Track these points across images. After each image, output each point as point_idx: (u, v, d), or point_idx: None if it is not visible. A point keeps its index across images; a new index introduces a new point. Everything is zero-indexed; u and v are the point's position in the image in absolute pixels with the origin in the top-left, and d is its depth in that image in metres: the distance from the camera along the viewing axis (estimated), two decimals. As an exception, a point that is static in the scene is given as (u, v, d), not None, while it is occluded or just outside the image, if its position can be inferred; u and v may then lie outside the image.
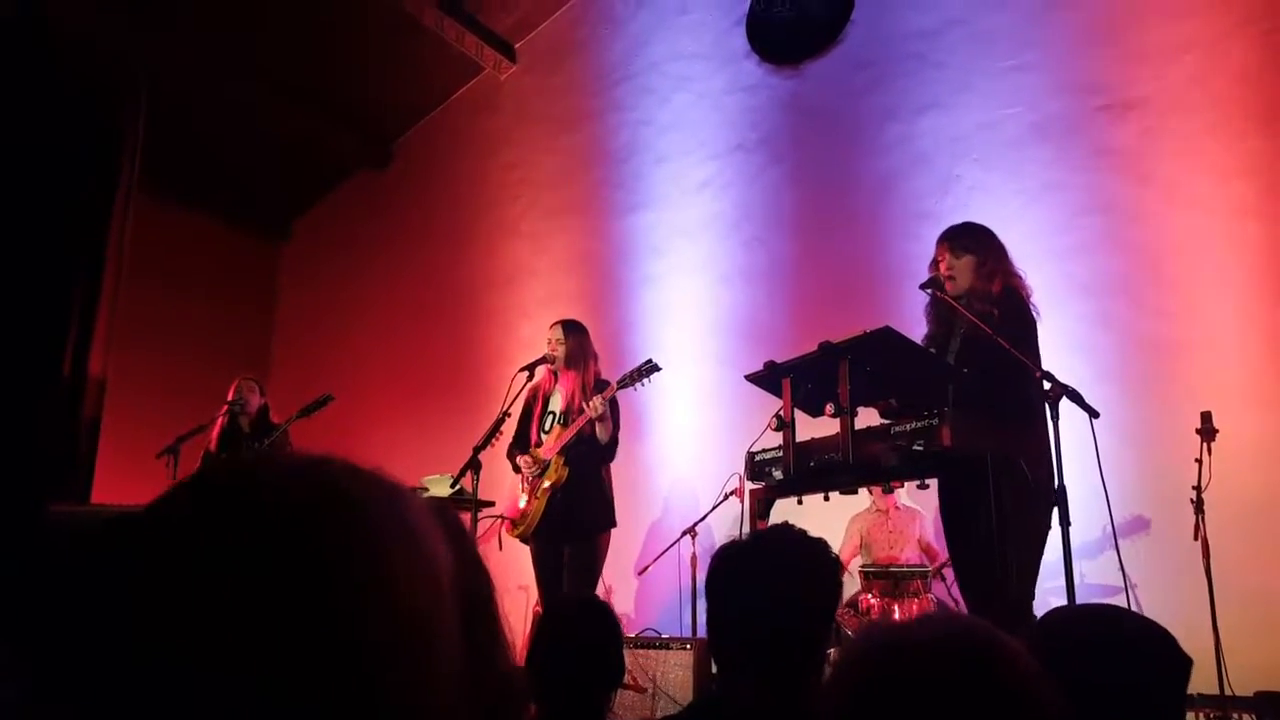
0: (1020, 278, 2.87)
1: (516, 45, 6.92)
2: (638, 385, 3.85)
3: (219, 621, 0.43)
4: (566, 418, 3.88)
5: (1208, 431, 3.50)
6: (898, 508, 4.55)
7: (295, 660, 0.44)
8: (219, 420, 4.70)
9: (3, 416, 5.10)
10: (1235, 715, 3.09)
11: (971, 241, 2.90)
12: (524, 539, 3.89)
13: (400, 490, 0.54)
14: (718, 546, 1.46)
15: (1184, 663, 1.02)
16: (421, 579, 0.51)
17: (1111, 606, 1.13)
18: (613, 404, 3.86)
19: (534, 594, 4.08)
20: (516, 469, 4.00)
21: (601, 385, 3.90)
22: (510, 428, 3.96)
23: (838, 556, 1.36)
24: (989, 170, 4.82)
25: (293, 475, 0.50)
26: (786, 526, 1.37)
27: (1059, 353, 3.45)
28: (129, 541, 0.48)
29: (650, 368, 3.82)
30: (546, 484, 3.79)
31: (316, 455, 0.53)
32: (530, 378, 4.04)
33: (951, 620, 0.77)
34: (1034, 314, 2.83)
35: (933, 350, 2.83)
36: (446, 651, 0.51)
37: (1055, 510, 2.45)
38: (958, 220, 3.32)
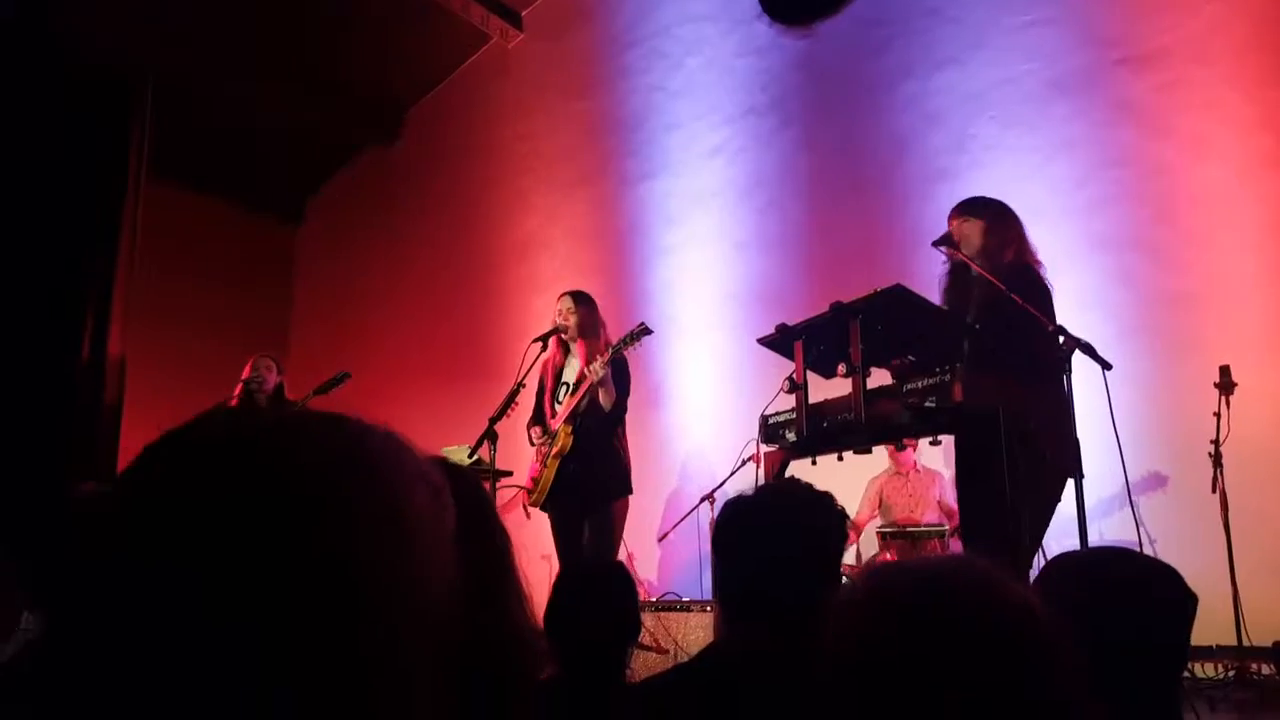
0: (1034, 254, 2.87)
1: (523, 13, 6.86)
2: (632, 348, 3.88)
3: (216, 574, 0.43)
4: (578, 387, 3.92)
5: (1226, 385, 3.48)
6: (917, 470, 4.55)
7: (290, 603, 0.44)
8: (234, 398, 4.75)
9: (26, 402, 5.19)
10: (1254, 666, 3.09)
11: (981, 208, 2.95)
12: (540, 506, 3.95)
13: (404, 442, 0.54)
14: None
15: (1189, 598, 1.02)
16: (420, 529, 0.50)
17: (1118, 548, 1.14)
18: (619, 369, 3.88)
19: (555, 563, 4.14)
20: (533, 442, 4.05)
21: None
22: (525, 398, 4.00)
23: (843, 509, 1.38)
24: (1006, 127, 4.75)
25: (302, 429, 0.50)
26: (793, 480, 1.38)
27: (1077, 309, 3.42)
28: (129, 493, 0.48)
29: (642, 330, 3.85)
30: (554, 452, 3.84)
31: (329, 412, 0.53)
32: (544, 349, 4.07)
33: (946, 556, 0.78)
34: (1047, 283, 2.81)
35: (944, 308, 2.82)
36: (438, 599, 0.50)
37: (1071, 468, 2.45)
38: (975, 178, 3.32)
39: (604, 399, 3.83)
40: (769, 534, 1.27)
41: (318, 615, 0.44)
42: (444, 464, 1.16)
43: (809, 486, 1.37)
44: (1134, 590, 0.99)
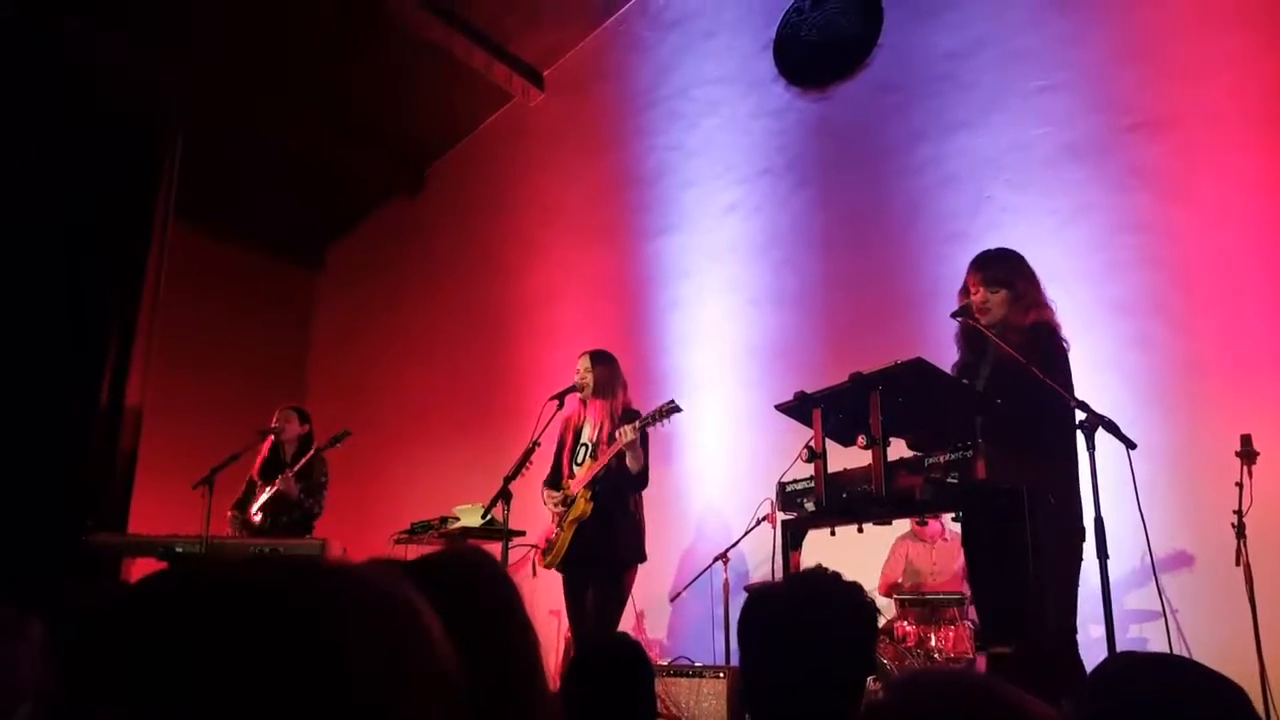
0: (1050, 309, 2.84)
1: (545, 72, 7.01)
2: (659, 425, 3.85)
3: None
4: (597, 449, 3.90)
5: (1248, 454, 3.43)
6: (944, 539, 4.45)
7: None
8: (263, 449, 4.81)
9: (43, 447, 5.19)
10: (1285, 750, 3.00)
11: (1006, 273, 2.85)
12: (553, 568, 3.92)
13: (381, 583, 0.56)
14: (748, 585, 1.45)
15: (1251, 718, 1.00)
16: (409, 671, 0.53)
17: (1177, 657, 1.11)
18: (642, 435, 3.86)
19: (565, 619, 4.10)
20: (547, 504, 4.02)
21: (631, 415, 3.91)
22: (540, 456, 3.99)
23: (873, 600, 1.35)
24: (1020, 191, 4.78)
25: (281, 580, 0.53)
26: (820, 570, 1.37)
27: (1094, 374, 3.40)
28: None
29: (671, 408, 3.80)
30: (572, 517, 3.81)
31: (297, 559, 0.57)
32: (560, 406, 4.06)
33: (973, 676, 0.77)
34: (1064, 346, 2.79)
35: (965, 380, 2.80)
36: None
37: (1089, 543, 2.41)
38: (989, 242, 3.30)
39: (631, 462, 3.81)
40: (797, 634, 1.25)
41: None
42: (470, 559, 1.16)
43: (836, 577, 1.35)
44: (1201, 708, 0.96)
